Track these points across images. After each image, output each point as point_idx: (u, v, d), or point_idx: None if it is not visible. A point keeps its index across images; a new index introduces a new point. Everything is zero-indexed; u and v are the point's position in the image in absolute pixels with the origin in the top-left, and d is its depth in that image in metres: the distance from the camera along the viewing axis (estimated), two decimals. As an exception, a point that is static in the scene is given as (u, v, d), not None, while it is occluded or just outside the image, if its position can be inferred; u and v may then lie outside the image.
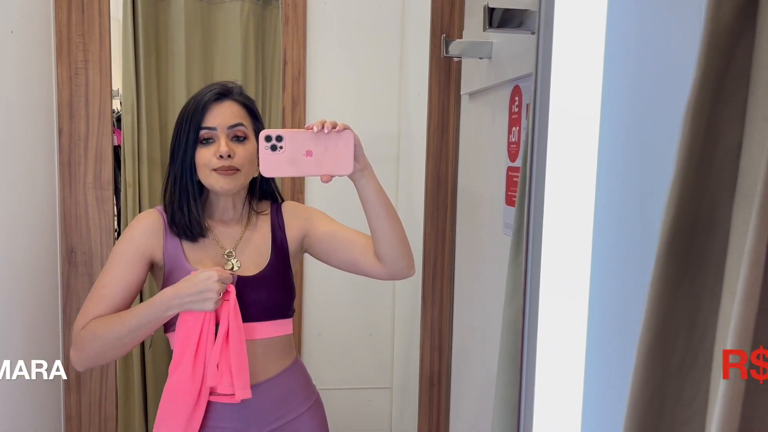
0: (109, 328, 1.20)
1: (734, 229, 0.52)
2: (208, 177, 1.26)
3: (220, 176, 1.25)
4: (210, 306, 1.17)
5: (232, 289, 1.23)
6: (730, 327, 0.48)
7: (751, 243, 0.47)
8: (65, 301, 1.79)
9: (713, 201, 0.55)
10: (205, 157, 1.25)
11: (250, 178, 1.31)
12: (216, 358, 1.21)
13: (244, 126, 1.27)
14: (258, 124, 1.32)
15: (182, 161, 1.26)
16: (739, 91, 0.53)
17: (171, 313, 1.19)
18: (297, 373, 1.39)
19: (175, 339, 1.22)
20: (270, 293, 1.30)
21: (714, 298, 0.57)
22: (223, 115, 1.25)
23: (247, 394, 1.23)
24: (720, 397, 0.49)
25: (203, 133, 1.25)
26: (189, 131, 1.25)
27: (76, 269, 1.78)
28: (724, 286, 0.54)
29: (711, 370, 0.56)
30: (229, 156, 1.24)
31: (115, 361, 1.84)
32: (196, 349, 1.20)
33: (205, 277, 1.17)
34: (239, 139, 1.27)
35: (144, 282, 1.30)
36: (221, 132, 1.25)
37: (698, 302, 0.57)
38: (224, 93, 1.28)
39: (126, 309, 1.25)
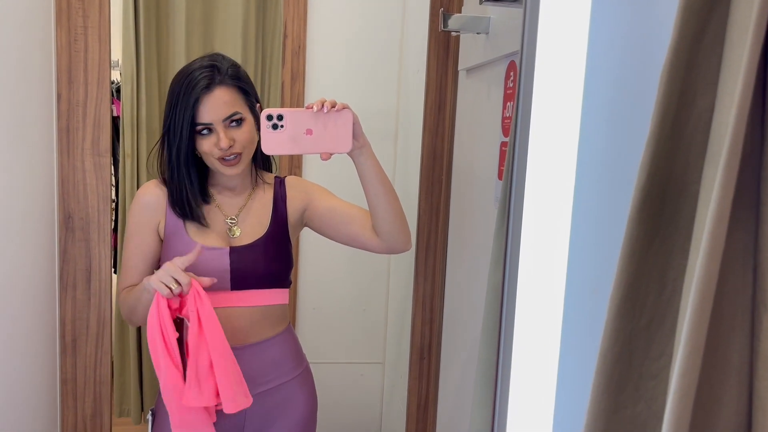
0: (125, 301, 1.33)
1: (703, 189, 0.54)
2: (212, 164, 1.30)
3: (226, 166, 1.29)
4: (152, 281, 1.17)
5: (197, 285, 1.19)
6: (693, 282, 0.50)
7: (716, 200, 0.49)
8: (62, 266, 1.81)
9: (686, 162, 0.57)
10: (207, 149, 1.27)
11: (252, 153, 1.34)
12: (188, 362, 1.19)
13: (239, 113, 1.27)
14: (251, 99, 1.32)
15: (178, 152, 1.28)
16: (714, 55, 0.54)
17: (146, 285, 1.21)
18: (288, 340, 1.43)
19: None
20: (266, 262, 1.33)
21: (684, 257, 0.58)
22: (216, 108, 1.25)
23: (240, 404, 1.19)
24: (681, 349, 0.51)
25: (199, 128, 1.26)
26: (183, 124, 1.24)
27: (73, 234, 1.80)
28: (692, 245, 0.55)
29: (679, 328, 0.58)
30: (230, 146, 1.26)
31: (111, 325, 1.86)
32: (166, 349, 1.18)
33: (168, 263, 1.19)
34: (237, 122, 1.28)
35: (160, 249, 1.37)
36: (218, 125, 1.26)
37: (669, 261, 0.59)
38: (212, 80, 1.25)
39: (151, 272, 1.34)
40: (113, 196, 3.06)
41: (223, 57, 1.31)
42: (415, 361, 2.07)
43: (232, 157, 1.28)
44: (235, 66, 1.31)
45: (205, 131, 1.27)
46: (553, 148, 0.75)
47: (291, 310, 2.50)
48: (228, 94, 1.26)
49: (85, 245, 1.81)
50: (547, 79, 0.75)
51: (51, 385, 1.82)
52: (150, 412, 1.42)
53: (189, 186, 1.31)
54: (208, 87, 1.24)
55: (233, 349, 1.31)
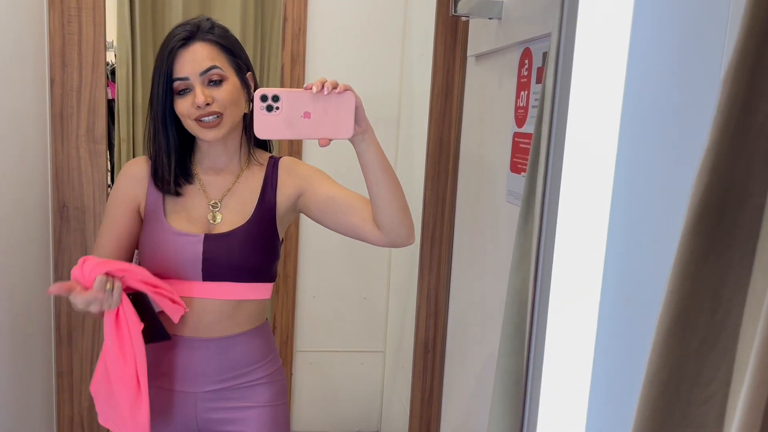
0: None
1: (771, 203, 0.49)
2: (191, 128, 1.21)
3: (204, 128, 1.20)
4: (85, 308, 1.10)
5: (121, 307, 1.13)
6: (763, 306, 0.45)
7: (793, 219, 0.44)
8: (57, 256, 1.75)
9: (747, 172, 0.52)
10: (184, 109, 1.19)
11: (238, 118, 1.24)
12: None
13: (218, 68, 1.19)
14: (236, 60, 1.24)
15: (156, 113, 1.21)
16: (785, 54, 0.49)
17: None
18: (258, 338, 1.31)
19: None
20: (242, 253, 1.24)
21: (742, 274, 0.54)
22: (192, 62, 1.18)
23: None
24: (749, 373, 0.46)
25: (177, 84, 1.18)
26: (160, 83, 1.18)
27: (68, 224, 1.74)
28: (756, 263, 0.50)
29: (735, 350, 0.54)
30: (207, 104, 1.18)
31: (108, 318, 1.82)
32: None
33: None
34: (216, 82, 1.20)
35: (138, 230, 1.28)
36: (195, 80, 1.18)
37: (724, 279, 0.54)
38: (191, 35, 1.19)
39: (123, 257, 1.26)
40: (108, 182, 3.00)
41: (210, 19, 1.23)
42: (420, 355, 2.03)
43: (210, 117, 1.19)
44: (221, 27, 1.24)
45: (182, 91, 1.19)
46: (589, 147, 0.70)
47: (290, 298, 2.46)
48: (206, 49, 1.19)
49: (80, 235, 1.76)
50: (584, 69, 0.69)
51: (46, 378, 1.78)
52: None
53: (165, 149, 1.23)
54: (186, 41, 1.18)
55: (193, 340, 1.24)
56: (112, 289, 1.08)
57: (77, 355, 1.80)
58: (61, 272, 1.76)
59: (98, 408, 1.23)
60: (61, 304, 1.78)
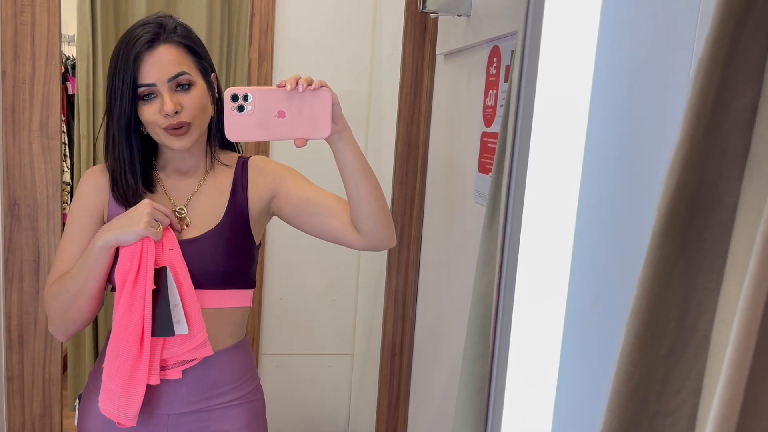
0: (62, 284, 1.14)
1: (744, 203, 0.46)
2: (158, 136, 1.14)
3: (173, 137, 1.13)
4: (141, 227, 1.07)
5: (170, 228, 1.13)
6: (737, 311, 0.43)
7: (767, 219, 0.41)
8: (7, 256, 1.68)
9: (718, 171, 0.49)
10: (150, 116, 1.12)
11: (206, 125, 1.19)
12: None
13: (187, 73, 1.13)
14: (202, 62, 1.18)
15: (118, 121, 1.13)
16: (757, 45, 0.46)
17: (101, 244, 1.09)
18: (239, 354, 1.25)
19: (114, 278, 1.12)
20: (215, 257, 1.17)
21: (711, 278, 0.51)
22: (160, 66, 1.10)
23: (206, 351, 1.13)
24: (721, 382, 0.44)
25: (142, 90, 1.11)
26: (123, 88, 1.10)
27: (20, 223, 1.67)
28: (728, 267, 0.48)
29: (706, 358, 0.51)
30: (176, 112, 1.11)
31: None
32: (134, 283, 1.09)
33: (138, 204, 1.10)
34: (184, 87, 1.13)
35: None
36: (162, 87, 1.11)
37: (692, 284, 0.52)
38: (156, 36, 1.11)
39: None
40: (68, 179, 2.90)
41: (172, 17, 1.17)
42: (386, 357, 2.00)
43: (180, 127, 1.13)
44: (184, 27, 1.17)
45: (147, 96, 1.12)
46: (556, 144, 0.67)
47: (257, 300, 2.41)
48: (174, 52, 1.12)
49: (32, 234, 1.68)
50: (550, 66, 0.66)
51: (-5, 383, 1.70)
52: (78, 398, 1.27)
53: (128, 161, 1.16)
54: (151, 43, 1.10)
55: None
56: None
57: (28, 358, 1.73)
58: (12, 272, 1.68)
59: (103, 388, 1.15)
60: (12, 306, 1.70)
